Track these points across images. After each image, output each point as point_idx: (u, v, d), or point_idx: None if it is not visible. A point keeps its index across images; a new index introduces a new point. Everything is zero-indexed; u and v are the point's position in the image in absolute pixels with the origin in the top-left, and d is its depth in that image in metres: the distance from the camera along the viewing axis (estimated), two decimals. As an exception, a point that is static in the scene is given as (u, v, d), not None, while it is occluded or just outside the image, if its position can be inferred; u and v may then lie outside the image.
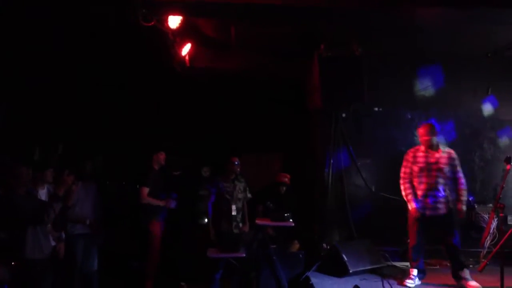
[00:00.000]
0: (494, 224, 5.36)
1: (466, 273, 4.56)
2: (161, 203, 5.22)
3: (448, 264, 5.37)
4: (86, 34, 5.39)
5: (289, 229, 5.23)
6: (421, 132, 4.71)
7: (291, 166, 6.36)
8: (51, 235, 3.96)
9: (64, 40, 5.41)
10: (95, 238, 4.73)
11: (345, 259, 4.91)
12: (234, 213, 5.17)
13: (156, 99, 6.51)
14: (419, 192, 4.67)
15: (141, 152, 5.70)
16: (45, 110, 5.95)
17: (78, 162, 4.55)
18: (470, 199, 5.77)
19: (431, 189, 4.61)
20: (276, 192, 5.80)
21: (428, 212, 4.62)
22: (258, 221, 5.13)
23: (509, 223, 5.52)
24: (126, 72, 6.07)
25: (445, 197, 4.62)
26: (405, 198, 4.74)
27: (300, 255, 5.24)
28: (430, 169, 4.63)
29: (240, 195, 5.30)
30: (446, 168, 4.61)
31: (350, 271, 4.86)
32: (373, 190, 5.79)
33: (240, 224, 5.28)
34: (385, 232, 5.34)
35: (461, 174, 4.66)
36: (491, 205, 5.65)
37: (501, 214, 4.68)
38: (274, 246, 5.23)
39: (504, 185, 5.07)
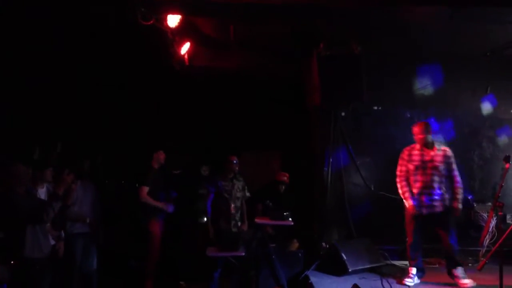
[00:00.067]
0: (493, 222, 5.37)
1: (460, 271, 4.56)
2: (159, 205, 5.21)
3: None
4: (86, 34, 5.40)
5: (289, 228, 5.23)
6: (416, 130, 4.71)
7: (290, 165, 6.37)
8: (50, 235, 3.96)
9: (64, 40, 5.42)
10: (94, 237, 4.73)
11: (344, 258, 4.92)
12: (233, 211, 5.17)
13: (155, 98, 6.51)
14: (415, 190, 4.68)
15: (140, 151, 5.71)
16: (45, 110, 5.95)
17: (77, 161, 4.56)
18: (469, 197, 5.79)
19: (427, 187, 4.62)
20: (275, 191, 5.81)
21: (424, 211, 4.63)
22: (257, 220, 5.14)
23: (508, 221, 5.53)
24: (125, 72, 6.07)
25: (441, 195, 4.62)
26: (402, 196, 4.75)
27: (299, 254, 5.26)
28: (425, 167, 4.63)
29: (239, 194, 5.31)
30: (441, 166, 4.61)
31: (349, 270, 4.87)
32: (372, 189, 5.79)
33: (239, 223, 5.29)
34: (385, 231, 5.35)
35: (456, 172, 4.66)
36: (490, 203, 5.65)
37: (500, 213, 4.69)
38: (274, 245, 5.24)
39: (503, 184, 5.06)
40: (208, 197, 5.23)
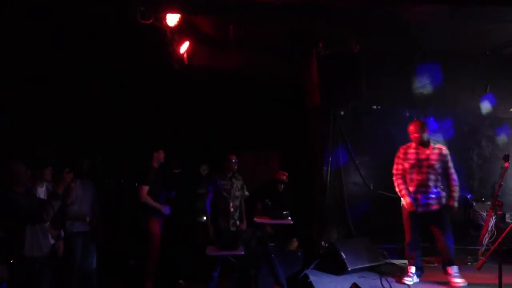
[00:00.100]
0: (492, 221, 5.36)
1: (454, 269, 4.56)
2: (156, 206, 5.21)
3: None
4: (86, 34, 5.41)
5: (288, 227, 5.25)
6: (411, 129, 4.70)
7: (289, 164, 6.37)
8: (50, 234, 3.97)
9: (64, 40, 5.43)
10: (94, 236, 4.74)
11: (344, 257, 4.92)
12: (232, 210, 5.18)
13: (154, 97, 6.52)
14: (411, 189, 4.68)
15: (139, 150, 5.72)
16: (45, 109, 5.96)
17: (76, 160, 4.57)
18: (468, 196, 5.80)
19: (422, 186, 4.61)
20: (274, 190, 5.82)
21: (420, 209, 4.63)
22: (256, 219, 5.15)
23: (507, 220, 5.51)
24: (124, 71, 6.07)
25: (437, 193, 4.62)
26: (399, 194, 4.76)
27: (299, 253, 5.27)
28: (421, 166, 4.63)
29: (238, 193, 5.31)
30: (437, 165, 4.61)
31: (349, 269, 4.87)
32: (372, 187, 5.80)
33: (238, 222, 5.29)
34: (384, 230, 5.35)
35: (452, 170, 4.65)
36: (489, 202, 5.64)
37: (499, 212, 4.72)
38: (273, 244, 5.25)
39: (502, 183, 5.08)
40: (207, 196, 5.24)
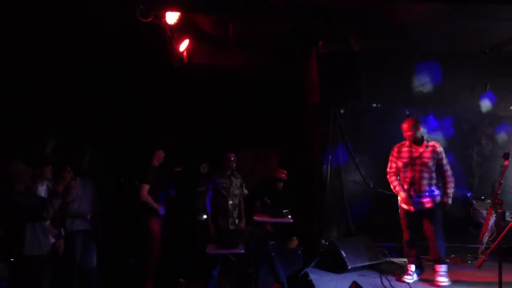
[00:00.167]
0: (492, 220, 5.37)
1: (442, 268, 4.53)
2: (154, 206, 5.22)
3: (447, 260, 5.37)
4: (86, 34, 5.42)
5: (288, 226, 5.25)
6: (404, 127, 4.67)
7: (289, 163, 6.37)
8: (50, 233, 3.98)
9: (64, 40, 5.44)
10: (94, 235, 4.75)
11: (344, 255, 4.92)
12: (230, 208, 5.19)
13: (154, 95, 6.53)
14: (404, 187, 4.67)
15: (139, 149, 5.73)
16: (45, 109, 5.98)
17: (75, 158, 4.58)
18: (468, 195, 5.80)
19: (416, 184, 4.59)
20: (273, 188, 5.82)
21: (414, 207, 4.61)
22: (256, 218, 5.15)
23: (507, 218, 5.52)
24: (124, 70, 6.09)
25: (431, 191, 4.58)
26: (394, 190, 4.76)
27: (299, 251, 5.27)
28: (414, 164, 4.61)
29: (237, 191, 5.32)
30: (430, 162, 4.57)
31: (349, 267, 4.87)
32: (372, 186, 5.80)
33: (237, 220, 5.30)
34: (384, 228, 5.33)
35: (447, 167, 4.62)
36: (489, 201, 5.65)
37: (499, 210, 4.71)
38: (273, 242, 5.25)
39: (502, 181, 5.09)
40: (206, 195, 5.25)
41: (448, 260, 5.37)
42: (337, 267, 4.92)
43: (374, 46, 5.58)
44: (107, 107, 6.33)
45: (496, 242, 3.77)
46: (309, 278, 4.72)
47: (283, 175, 5.88)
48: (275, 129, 6.66)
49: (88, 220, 4.66)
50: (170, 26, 4.77)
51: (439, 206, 4.59)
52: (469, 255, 5.50)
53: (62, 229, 4.29)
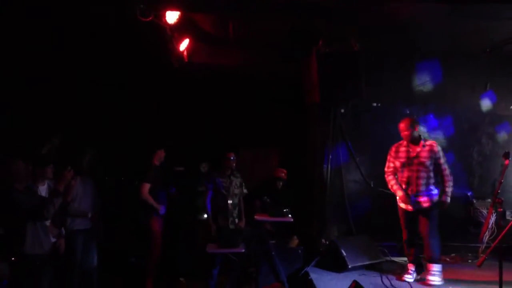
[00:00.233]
0: (492, 219, 5.37)
1: (434, 267, 4.52)
2: (154, 205, 5.22)
3: (448, 259, 5.42)
4: (86, 34, 5.42)
5: (288, 225, 5.25)
6: (401, 127, 4.65)
7: (289, 162, 6.37)
8: (50, 233, 3.98)
9: (64, 40, 5.44)
10: (94, 234, 4.75)
11: (344, 254, 4.92)
12: (230, 208, 5.19)
13: (154, 95, 6.54)
14: (402, 187, 4.66)
15: (139, 148, 5.73)
16: (45, 109, 5.98)
17: (75, 157, 4.58)
18: (468, 194, 5.80)
19: (413, 184, 4.58)
20: (272, 187, 5.82)
21: (411, 207, 4.60)
22: (257, 217, 5.16)
23: (507, 218, 5.52)
24: (124, 69, 6.10)
25: (428, 191, 4.57)
26: (391, 189, 4.76)
27: (299, 251, 5.28)
28: (411, 164, 4.59)
29: (237, 191, 5.32)
30: (428, 162, 4.55)
31: (349, 267, 4.87)
32: (372, 185, 5.79)
33: (236, 220, 5.30)
34: (384, 228, 5.33)
35: (445, 166, 4.60)
36: (489, 200, 5.66)
37: (499, 209, 4.69)
38: (273, 241, 5.25)
39: (502, 180, 5.06)
40: (207, 194, 5.25)
41: (448, 259, 5.43)
42: (338, 266, 4.92)
43: (374, 46, 5.58)
44: (107, 107, 6.33)
45: (497, 241, 3.78)
46: (309, 277, 4.72)
47: (283, 174, 5.89)
48: (275, 129, 6.66)
49: (88, 219, 4.66)
50: (170, 25, 4.77)
51: (437, 205, 4.58)
52: (470, 254, 5.50)
53: (62, 229, 4.28)
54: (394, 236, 5.27)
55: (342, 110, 5.87)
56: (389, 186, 4.78)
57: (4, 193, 3.51)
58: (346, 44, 5.40)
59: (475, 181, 5.92)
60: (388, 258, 5.32)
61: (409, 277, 4.64)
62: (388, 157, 4.79)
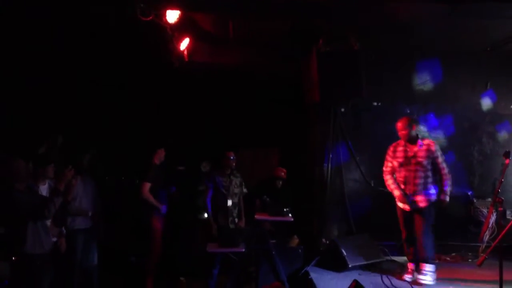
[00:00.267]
0: (493, 218, 5.38)
1: (426, 267, 4.52)
2: (155, 204, 5.22)
3: (448, 259, 5.43)
4: (86, 34, 5.42)
5: (288, 224, 5.25)
6: (398, 126, 4.64)
7: (289, 162, 6.38)
8: (51, 232, 3.99)
9: (64, 40, 5.45)
10: (95, 233, 4.76)
11: (344, 253, 4.93)
12: (230, 207, 5.19)
13: (154, 94, 6.54)
14: (400, 186, 4.65)
15: (139, 147, 5.74)
16: (45, 109, 5.99)
17: (75, 156, 4.59)
18: (469, 193, 5.80)
19: (411, 183, 4.58)
20: (272, 186, 5.83)
21: (409, 206, 4.60)
22: (257, 216, 5.15)
23: (507, 217, 5.51)
24: (124, 69, 6.10)
25: (426, 190, 4.56)
26: (388, 189, 4.75)
27: (299, 250, 5.27)
28: (409, 163, 4.59)
29: (236, 190, 5.31)
30: (425, 161, 4.54)
31: (349, 266, 4.88)
32: (372, 185, 5.79)
33: (236, 219, 5.29)
34: (384, 227, 5.32)
35: (443, 165, 4.59)
36: (490, 199, 5.66)
37: (500, 208, 4.67)
38: (274, 241, 5.25)
39: (503, 180, 5.09)
40: (207, 193, 5.25)
41: (448, 259, 5.43)
42: (338, 265, 4.93)
43: (374, 45, 5.58)
44: (107, 106, 6.34)
45: (497, 240, 3.79)
46: (309, 277, 4.73)
47: (283, 174, 5.89)
48: (275, 128, 6.66)
49: (89, 218, 4.67)
50: (170, 25, 4.76)
51: (435, 204, 4.57)
52: (470, 254, 5.51)
53: (63, 228, 4.29)
54: (394, 235, 5.26)
55: (342, 109, 5.87)
56: (387, 185, 4.78)
57: (5, 193, 3.52)
58: (346, 43, 5.39)
59: (475, 180, 5.91)
60: (388, 257, 5.32)
61: (409, 277, 4.64)
62: (386, 156, 4.79)
